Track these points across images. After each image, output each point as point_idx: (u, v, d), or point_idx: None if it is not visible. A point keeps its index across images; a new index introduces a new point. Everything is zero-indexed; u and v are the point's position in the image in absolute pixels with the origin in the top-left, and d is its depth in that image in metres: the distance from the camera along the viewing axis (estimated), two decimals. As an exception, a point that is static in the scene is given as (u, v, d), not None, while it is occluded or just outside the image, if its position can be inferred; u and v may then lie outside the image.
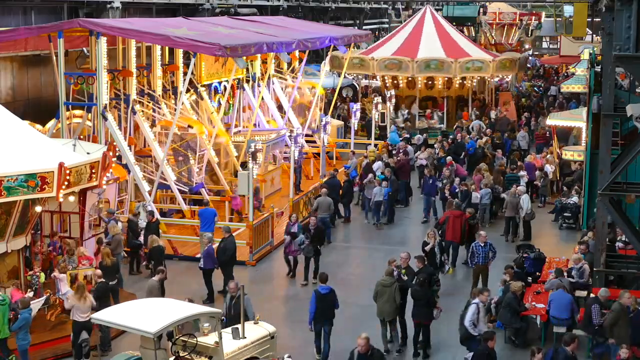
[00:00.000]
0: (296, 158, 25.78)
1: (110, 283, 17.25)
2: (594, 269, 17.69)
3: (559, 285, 16.55)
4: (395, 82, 39.09)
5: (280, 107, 33.21)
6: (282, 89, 33.88)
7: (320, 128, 29.99)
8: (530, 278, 18.73)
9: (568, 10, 60.67)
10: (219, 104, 28.99)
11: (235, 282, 16.31)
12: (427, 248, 19.25)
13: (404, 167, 27.91)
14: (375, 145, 32.70)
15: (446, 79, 38.32)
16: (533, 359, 13.31)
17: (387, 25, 70.64)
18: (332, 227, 24.77)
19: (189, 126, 24.83)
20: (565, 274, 17.48)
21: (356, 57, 38.37)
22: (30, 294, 16.88)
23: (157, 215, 22.12)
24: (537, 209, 25.96)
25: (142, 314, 13.43)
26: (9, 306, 15.47)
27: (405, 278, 16.70)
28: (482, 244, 19.08)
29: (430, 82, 38.77)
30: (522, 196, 23.82)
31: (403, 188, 27.34)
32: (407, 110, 38.79)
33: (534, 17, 66.14)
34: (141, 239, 21.04)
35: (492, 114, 38.77)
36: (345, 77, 39.14)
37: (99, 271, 16.97)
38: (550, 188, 28.81)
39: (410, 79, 38.36)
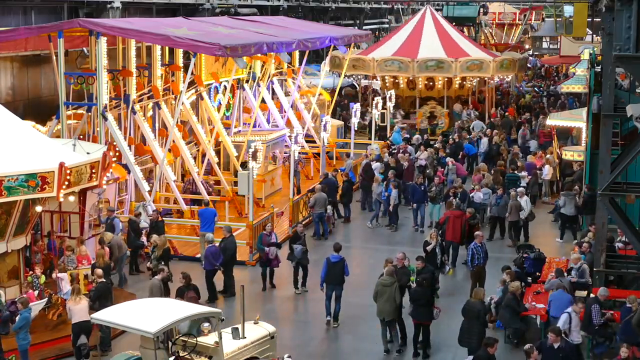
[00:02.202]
0: (296, 158, 25.71)
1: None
2: (594, 269, 17.69)
3: (559, 285, 16.55)
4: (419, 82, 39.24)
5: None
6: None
7: (320, 128, 29.98)
8: (530, 278, 18.72)
9: (568, 10, 60.64)
10: (219, 103, 29.00)
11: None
12: (429, 248, 19.24)
13: (409, 169, 27.82)
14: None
15: (446, 79, 38.48)
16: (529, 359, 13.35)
17: (387, 25, 70.64)
18: (333, 226, 24.80)
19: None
20: (565, 273, 17.46)
21: (392, 59, 38.04)
22: (35, 293, 16.90)
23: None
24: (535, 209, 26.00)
25: (142, 314, 13.43)
26: None
27: (414, 285, 16.62)
28: (480, 244, 19.08)
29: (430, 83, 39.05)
30: (523, 197, 23.72)
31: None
32: (472, 109, 39.29)
33: (534, 14, 66.37)
34: (143, 238, 21.04)
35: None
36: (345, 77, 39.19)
37: (99, 271, 16.95)
38: (550, 188, 28.81)
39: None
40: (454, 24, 45.01)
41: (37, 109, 27.30)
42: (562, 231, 24.11)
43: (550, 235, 24.62)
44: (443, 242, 20.29)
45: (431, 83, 39.14)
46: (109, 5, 30.12)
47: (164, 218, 22.22)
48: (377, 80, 41.35)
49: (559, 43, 59.80)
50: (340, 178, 27.42)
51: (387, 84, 39.54)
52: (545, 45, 75.86)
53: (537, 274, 19.04)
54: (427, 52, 37.93)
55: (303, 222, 24.59)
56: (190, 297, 15.98)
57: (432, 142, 33.33)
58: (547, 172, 28.20)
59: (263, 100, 30.93)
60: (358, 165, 29.19)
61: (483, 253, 18.96)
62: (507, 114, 39.88)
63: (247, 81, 30.92)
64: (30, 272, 17.53)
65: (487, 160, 30.53)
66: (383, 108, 35.60)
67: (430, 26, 40.25)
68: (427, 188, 24.93)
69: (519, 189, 24.12)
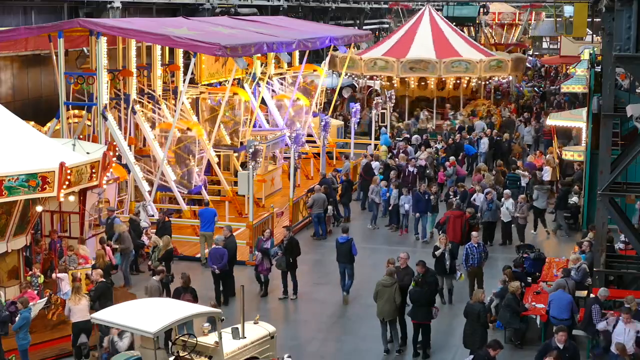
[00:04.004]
0: (296, 158, 25.69)
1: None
2: (594, 269, 17.69)
3: (559, 285, 16.52)
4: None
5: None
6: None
7: (320, 128, 29.95)
8: (530, 278, 18.70)
9: (568, 10, 60.63)
10: (219, 103, 28.98)
11: None
12: (438, 253, 19.08)
13: (417, 174, 27.68)
14: (376, 146, 32.68)
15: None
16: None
17: (387, 26, 70.63)
18: (333, 225, 24.79)
19: (187, 129, 24.76)
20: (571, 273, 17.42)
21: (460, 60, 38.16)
22: (35, 293, 16.90)
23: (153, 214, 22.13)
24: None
25: (142, 314, 13.43)
26: None
27: (416, 286, 16.54)
28: (476, 245, 19.01)
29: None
30: (509, 200, 23.37)
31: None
32: (507, 107, 40.90)
33: (534, 14, 66.41)
34: (144, 238, 21.04)
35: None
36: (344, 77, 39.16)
37: (100, 270, 16.95)
38: (550, 188, 28.73)
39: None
40: (454, 24, 45.02)
41: (37, 109, 27.31)
42: (534, 223, 24.41)
43: (550, 235, 24.60)
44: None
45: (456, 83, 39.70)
46: (109, 5, 30.12)
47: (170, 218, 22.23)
48: (377, 80, 41.35)
49: (559, 43, 59.79)
50: (339, 179, 27.38)
51: (412, 86, 39.45)
52: (545, 45, 75.85)
53: (537, 274, 19.03)
54: (466, 53, 38.55)
55: (301, 223, 24.65)
56: (187, 300, 15.93)
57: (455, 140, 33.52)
58: (547, 173, 28.11)
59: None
60: (358, 166, 29.19)
61: (479, 254, 18.89)
62: (509, 113, 39.98)
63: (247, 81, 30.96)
64: (30, 272, 17.54)
65: (496, 158, 30.59)
66: (383, 108, 35.59)
67: (444, 26, 40.53)
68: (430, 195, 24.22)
69: (505, 191, 23.91)
